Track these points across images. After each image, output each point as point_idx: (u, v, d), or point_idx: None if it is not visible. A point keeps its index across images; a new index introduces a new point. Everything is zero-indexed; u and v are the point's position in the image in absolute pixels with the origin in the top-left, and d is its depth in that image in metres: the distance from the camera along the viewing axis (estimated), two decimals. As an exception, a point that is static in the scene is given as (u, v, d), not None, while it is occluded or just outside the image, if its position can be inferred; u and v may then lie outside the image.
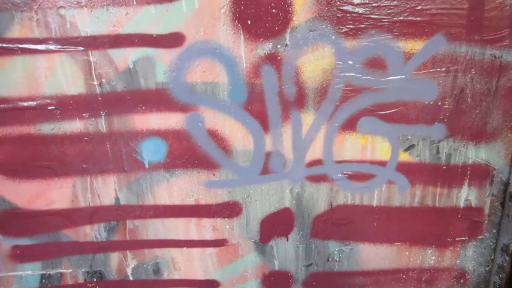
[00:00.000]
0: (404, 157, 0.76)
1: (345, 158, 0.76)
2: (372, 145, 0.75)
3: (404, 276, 0.85)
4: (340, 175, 0.76)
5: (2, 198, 0.73)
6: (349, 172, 0.76)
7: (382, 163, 0.76)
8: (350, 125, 0.73)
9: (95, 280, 0.80)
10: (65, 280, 0.80)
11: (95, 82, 0.68)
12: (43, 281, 0.79)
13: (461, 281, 0.86)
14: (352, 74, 0.70)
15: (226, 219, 0.77)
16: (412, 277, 0.85)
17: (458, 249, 0.83)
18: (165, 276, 0.80)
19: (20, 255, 0.77)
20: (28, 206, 0.74)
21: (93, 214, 0.75)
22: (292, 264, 0.82)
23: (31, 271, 0.78)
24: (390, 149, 0.76)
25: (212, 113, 0.71)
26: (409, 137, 0.75)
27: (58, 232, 0.76)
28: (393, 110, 0.72)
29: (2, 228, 0.75)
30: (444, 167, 0.77)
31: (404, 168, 0.77)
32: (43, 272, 0.78)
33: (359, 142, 0.75)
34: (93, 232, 0.77)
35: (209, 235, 0.78)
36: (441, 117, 0.73)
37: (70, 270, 0.79)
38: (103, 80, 0.68)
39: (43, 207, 0.74)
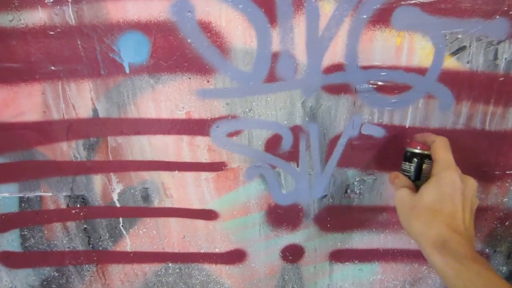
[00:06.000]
0: (450, 63, 0.60)
1: (374, 63, 0.60)
2: (409, 46, 0.59)
3: (437, 214, 0.71)
4: (366, 85, 0.61)
5: (-34, 108, 0.62)
6: (378, 82, 0.61)
7: (421, 71, 0.60)
8: (382, 17, 0.57)
9: (78, 206, 0.71)
10: (46, 205, 0.71)
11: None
12: (22, 204, 0.70)
13: (506, 223, 0.72)
14: None
15: (223, 136, 0.64)
16: (447, 215, 0.71)
17: (507, 184, 0.68)
18: (156, 203, 0.70)
19: (-6, 175, 0.68)
20: (-4, 117, 0.63)
21: (69, 129, 0.64)
22: (303, 195, 0.69)
23: (7, 193, 0.69)
24: (432, 52, 0.59)
25: (204, -1, 0.55)
26: (460, 36, 0.58)
27: (32, 150, 0.66)
28: (441, -2, 0.55)
29: (-29, 143, 0.65)
30: (501, 78, 0.60)
31: (449, 78, 0.61)
32: (21, 195, 0.70)
33: (393, 41, 0.58)
34: (70, 150, 0.66)
35: (204, 157, 0.66)
36: (505, 8, 0.55)
37: (50, 194, 0.70)
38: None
39: (12, 118, 0.63)
